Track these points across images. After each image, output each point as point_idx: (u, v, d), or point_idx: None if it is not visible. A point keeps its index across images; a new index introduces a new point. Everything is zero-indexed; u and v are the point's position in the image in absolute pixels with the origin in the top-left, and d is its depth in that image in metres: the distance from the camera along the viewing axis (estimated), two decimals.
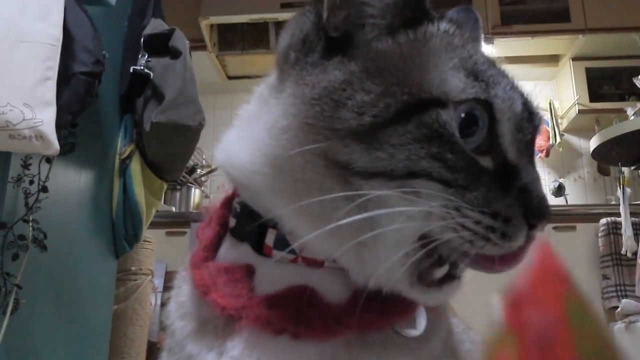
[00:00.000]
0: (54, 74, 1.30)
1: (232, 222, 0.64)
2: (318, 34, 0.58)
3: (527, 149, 0.56)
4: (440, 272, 0.54)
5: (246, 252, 0.60)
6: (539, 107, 0.60)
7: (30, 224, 1.41)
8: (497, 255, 0.52)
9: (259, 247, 0.59)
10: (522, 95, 0.58)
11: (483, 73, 0.55)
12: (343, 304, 0.55)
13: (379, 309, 0.55)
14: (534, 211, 0.52)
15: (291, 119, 0.55)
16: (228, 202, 0.67)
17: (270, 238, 0.58)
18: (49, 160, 1.45)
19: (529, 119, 0.57)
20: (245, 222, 0.61)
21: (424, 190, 0.50)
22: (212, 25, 3.92)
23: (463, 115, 0.53)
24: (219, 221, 0.66)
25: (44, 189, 1.44)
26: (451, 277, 0.55)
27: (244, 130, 0.61)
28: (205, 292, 0.58)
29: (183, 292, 0.64)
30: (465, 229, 0.50)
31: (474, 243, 0.51)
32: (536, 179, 0.54)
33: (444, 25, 0.59)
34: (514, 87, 0.58)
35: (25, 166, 1.41)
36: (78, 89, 1.41)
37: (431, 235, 0.51)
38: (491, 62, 0.59)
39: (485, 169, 0.53)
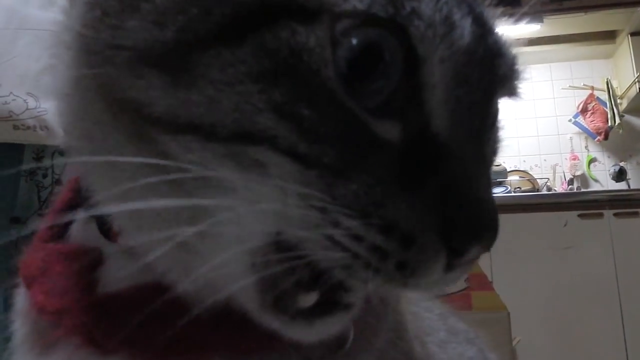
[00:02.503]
0: None
1: None
2: None
3: (476, 116, 0.34)
4: (308, 300, 0.34)
5: (96, 231, 0.43)
6: (513, 43, 0.37)
7: None
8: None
9: (104, 227, 0.42)
10: (479, 19, 0.35)
11: None
12: (212, 314, 0.36)
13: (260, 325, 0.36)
14: (460, 227, 0.31)
15: (68, 29, 0.37)
16: None
17: None
18: (62, 152, 1.41)
19: (484, 62, 0.34)
20: None
21: (270, 167, 0.31)
22: None
23: (355, 42, 0.31)
24: (75, 185, 0.47)
25: (58, 182, 1.40)
26: (332, 305, 0.34)
27: None
28: (28, 284, 0.43)
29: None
30: (336, 246, 0.31)
31: (353, 271, 0.31)
32: (479, 172, 0.33)
33: None
34: (466, 4, 0.34)
35: (38, 159, 1.37)
36: None
37: (289, 242, 0.32)
38: None
39: (385, 142, 0.32)
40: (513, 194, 3.57)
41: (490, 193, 0.34)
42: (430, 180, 0.31)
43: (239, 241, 0.33)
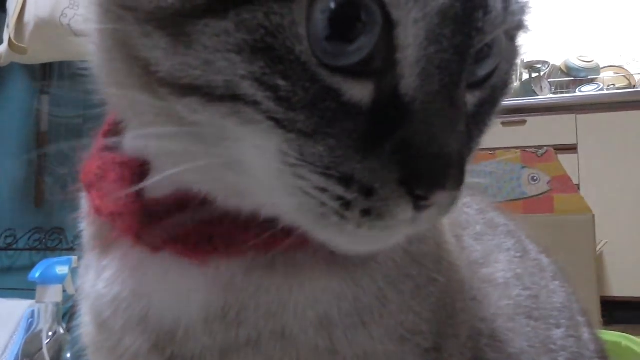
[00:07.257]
0: None
1: None
2: None
3: (447, 74, 0.35)
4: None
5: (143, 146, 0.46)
6: None
7: None
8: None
9: None
10: None
11: None
12: (253, 217, 0.40)
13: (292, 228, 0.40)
14: (420, 177, 0.34)
15: None
16: None
17: None
18: None
19: (460, 18, 0.35)
20: None
21: (261, 126, 0.35)
22: None
23: (333, 6, 0.33)
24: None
25: None
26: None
27: None
28: (88, 189, 0.46)
29: None
30: (305, 195, 0.35)
31: (326, 217, 0.36)
32: (446, 126, 0.35)
33: None
34: None
35: None
36: None
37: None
38: None
39: (353, 106, 0.35)
40: (605, 91, 3.34)
41: (461, 144, 0.36)
42: (392, 137, 0.35)
43: (254, 165, 0.37)
